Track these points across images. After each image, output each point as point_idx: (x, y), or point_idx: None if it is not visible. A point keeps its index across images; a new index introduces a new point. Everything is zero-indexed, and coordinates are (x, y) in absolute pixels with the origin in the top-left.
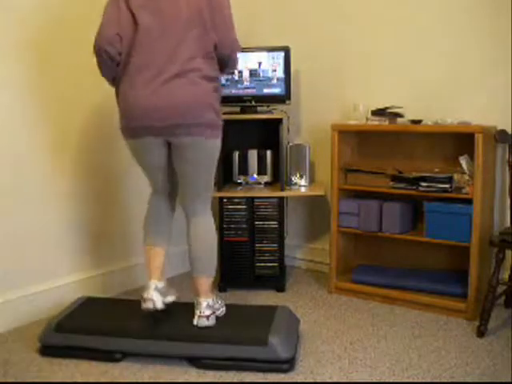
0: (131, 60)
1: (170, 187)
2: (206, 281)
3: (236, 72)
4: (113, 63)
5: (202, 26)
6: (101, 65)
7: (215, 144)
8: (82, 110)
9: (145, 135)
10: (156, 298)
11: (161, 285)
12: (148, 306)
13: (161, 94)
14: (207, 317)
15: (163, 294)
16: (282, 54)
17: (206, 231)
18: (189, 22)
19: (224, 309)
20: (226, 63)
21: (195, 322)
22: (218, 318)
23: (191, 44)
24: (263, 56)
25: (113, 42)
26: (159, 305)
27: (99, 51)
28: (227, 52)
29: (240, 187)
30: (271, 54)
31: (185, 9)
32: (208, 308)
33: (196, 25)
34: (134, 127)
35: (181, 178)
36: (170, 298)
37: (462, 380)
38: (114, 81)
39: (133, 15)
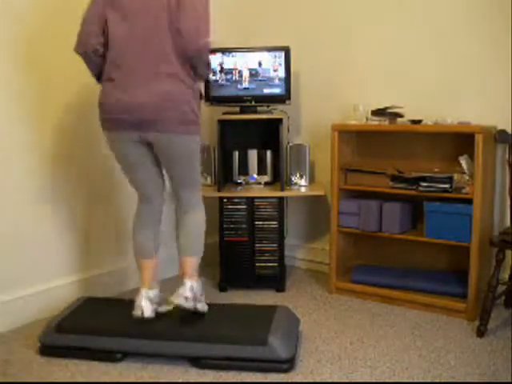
0: (108, 58)
1: (154, 194)
2: (192, 260)
3: (236, 72)
4: (96, 57)
5: (169, 19)
6: (85, 60)
7: (192, 140)
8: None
9: (117, 129)
10: (145, 305)
11: (152, 293)
12: (137, 312)
13: (133, 93)
14: (186, 298)
15: (156, 302)
16: (282, 54)
17: (195, 222)
18: (157, 17)
19: (206, 307)
20: (194, 63)
21: (173, 299)
22: (203, 314)
23: (165, 45)
24: (263, 56)
25: (94, 36)
26: (148, 313)
27: (84, 46)
28: (193, 46)
29: (240, 187)
30: (271, 53)
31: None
32: (190, 290)
33: (164, 19)
34: (105, 118)
35: (167, 174)
36: (164, 308)
37: (462, 380)
38: (99, 78)
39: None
